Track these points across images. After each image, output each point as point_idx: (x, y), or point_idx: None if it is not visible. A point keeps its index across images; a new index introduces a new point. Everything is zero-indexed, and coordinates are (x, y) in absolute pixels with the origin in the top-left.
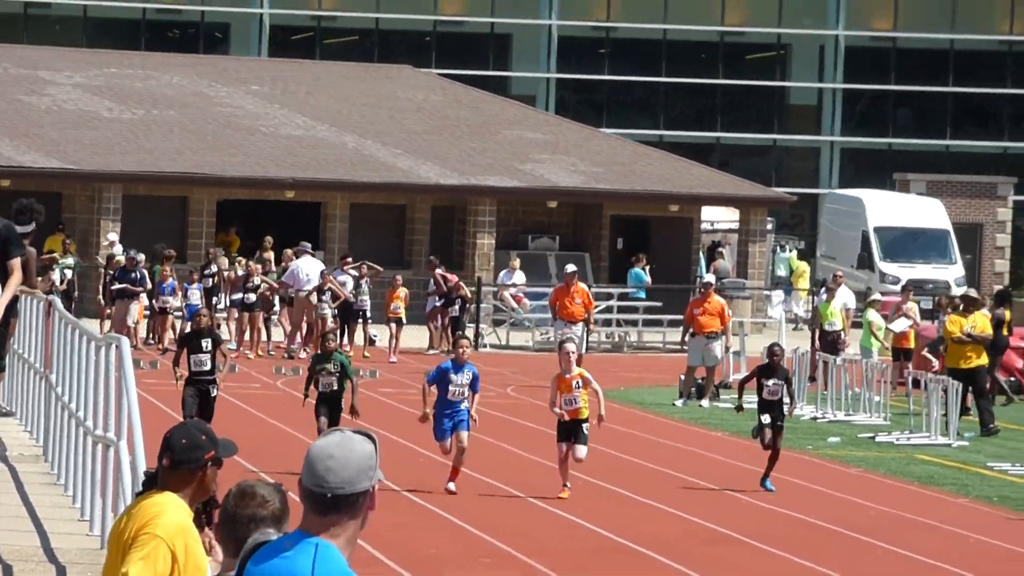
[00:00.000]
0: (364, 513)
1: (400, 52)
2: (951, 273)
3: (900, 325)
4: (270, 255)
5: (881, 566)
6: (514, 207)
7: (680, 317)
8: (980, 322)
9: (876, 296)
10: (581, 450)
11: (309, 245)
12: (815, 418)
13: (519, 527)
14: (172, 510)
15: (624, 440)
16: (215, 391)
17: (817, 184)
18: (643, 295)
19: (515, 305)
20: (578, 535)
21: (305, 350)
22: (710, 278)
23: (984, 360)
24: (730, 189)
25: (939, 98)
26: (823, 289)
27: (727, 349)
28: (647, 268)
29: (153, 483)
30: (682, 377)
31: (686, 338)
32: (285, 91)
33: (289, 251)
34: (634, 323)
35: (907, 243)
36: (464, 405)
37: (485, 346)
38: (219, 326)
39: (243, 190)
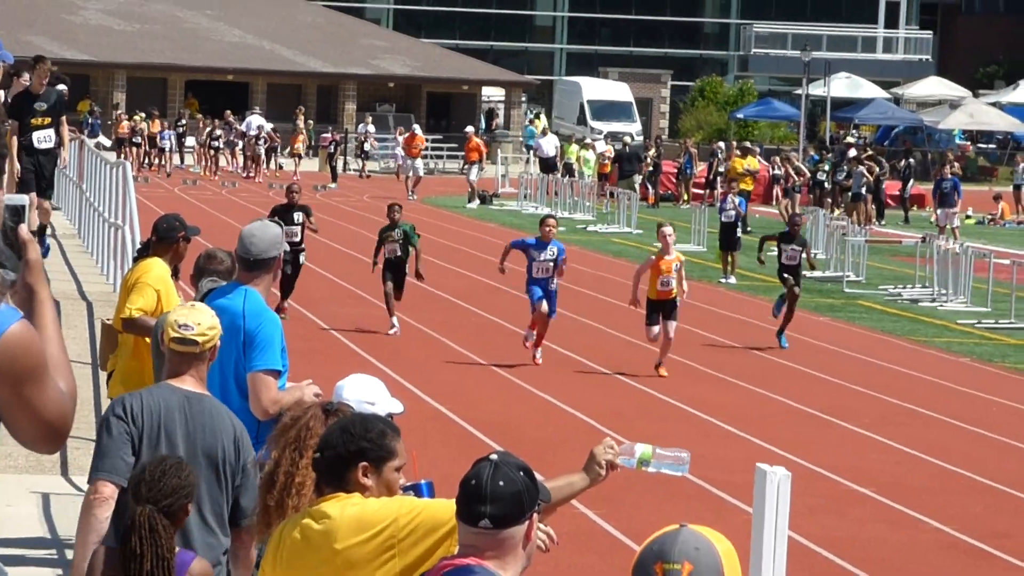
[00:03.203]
0: (275, 271)
1: None
2: (633, 128)
3: (597, 149)
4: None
5: (586, 305)
6: (368, 86)
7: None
8: (752, 163)
9: (588, 141)
10: (672, 325)
11: (258, 109)
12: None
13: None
14: (157, 267)
15: (439, 228)
16: (303, 257)
17: (552, 73)
18: (532, 142)
19: (366, 146)
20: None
21: (242, 174)
22: (470, 129)
23: (751, 186)
24: (500, 76)
25: (626, 22)
26: (539, 136)
27: (481, 170)
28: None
29: (146, 251)
30: (469, 191)
31: (465, 166)
32: (227, 14)
33: (230, 114)
34: (441, 156)
35: (606, 110)
36: (553, 284)
37: (349, 170)
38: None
39: (201, 75)
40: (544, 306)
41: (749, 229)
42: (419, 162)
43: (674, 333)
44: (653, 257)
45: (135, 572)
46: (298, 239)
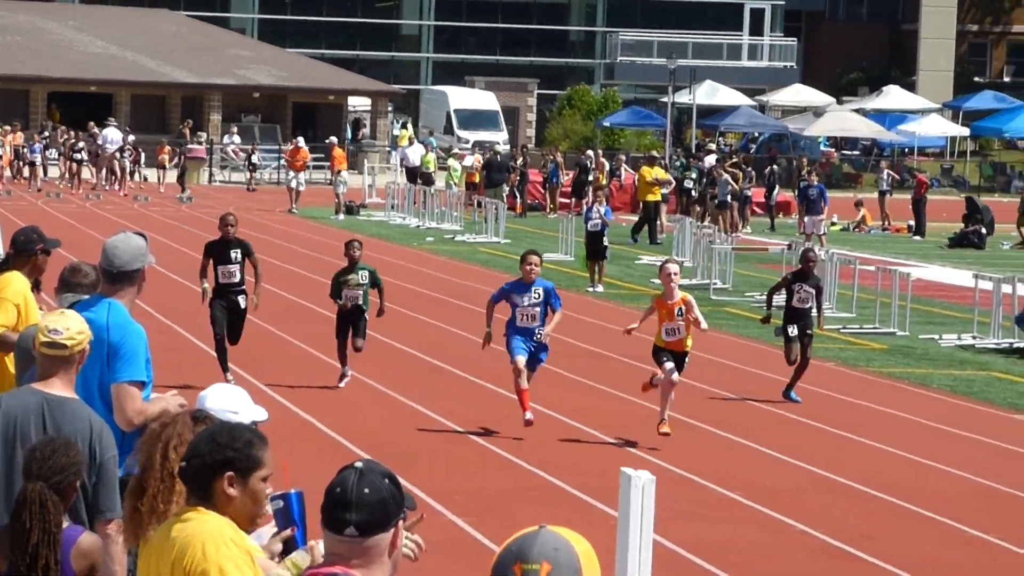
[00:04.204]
0: (139, 284)
1: (161, 2)
2: (500, 136)
3: (469, 162)
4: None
5: (451, 314)
6: (233, 96)
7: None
8: (660, 173)
9: (456, 151)
10: (676, 375)
11: (113, 120)
12: (418, 226)
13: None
14: (16, 281)
15: (307, 239)
16: (245, 302)
17: (419, 82)
18: (430, 140)
19: (234, 156)
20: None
21: (104, 187)
22: (332, 139)
23: (659, 196)
24: (365, 86)
25: (492, 31)
26: (406, 146)
27: (344, 183)
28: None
29: (5, 265)
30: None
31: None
32: (90, 25)
33: (94, 125)
34: (307, 169)
35: (474, 118)
36: (539, 334)
37: (216, 181)
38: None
39: (64, 86)
40: (521, 361)
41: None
42: (302, 176)
43: (678, 379)
44: (656, 296)
45: (22, 546)
46: (237, 279)
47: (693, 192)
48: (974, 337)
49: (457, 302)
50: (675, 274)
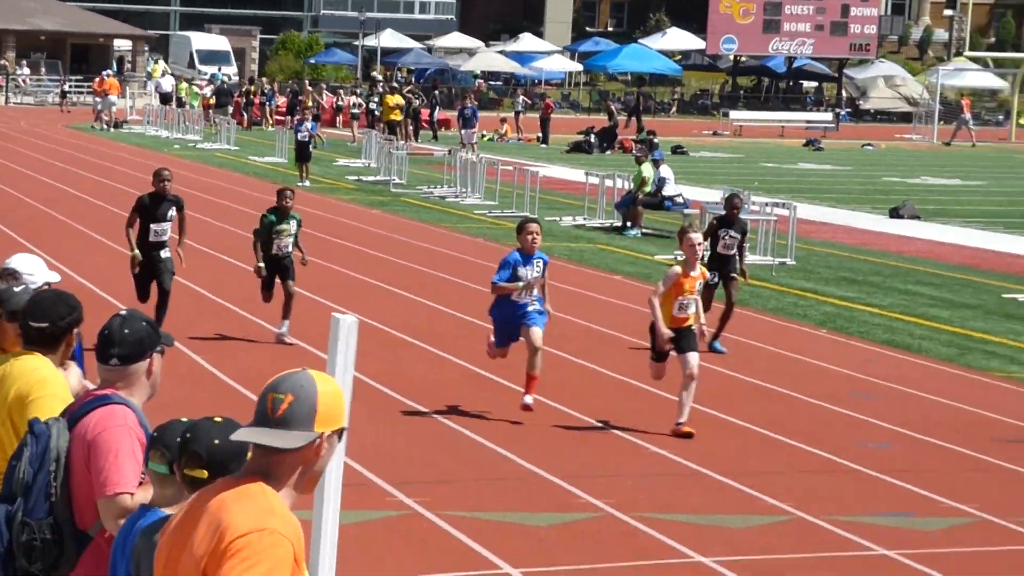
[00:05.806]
0: None
1: None
2: (231, 70)
3: (207, 91)
4: None
5: (198, 206)
6: (24, 39)
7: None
8: (398, 99)
9: (197, 80)
10: (694, 358)
11: None
12: (167, 137)
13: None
14: None
15: (83, 147)
16: (166, 254)
17: (169, 28)
18: (215, 77)
19: (24, 84)
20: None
21: None
22: (111, 72)
23: (399, 116)
24: (128, 31)
25: None
26: (159, 77)
27: (112, 105)
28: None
29: None
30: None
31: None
32: None
33: None
34: (81, 92)
35: (211, 56)
36: (533, 306)
37: (11, 103)
38: None
39: None
40: (536, 332)
41: (324, 144)
42: (113, 98)
43: (697, 368)
44: (678, 271)
45: None
46: (167, 239)
47: (376, 112)
48: (584, 219)
49: (199, 194)
50: (700, 244)
